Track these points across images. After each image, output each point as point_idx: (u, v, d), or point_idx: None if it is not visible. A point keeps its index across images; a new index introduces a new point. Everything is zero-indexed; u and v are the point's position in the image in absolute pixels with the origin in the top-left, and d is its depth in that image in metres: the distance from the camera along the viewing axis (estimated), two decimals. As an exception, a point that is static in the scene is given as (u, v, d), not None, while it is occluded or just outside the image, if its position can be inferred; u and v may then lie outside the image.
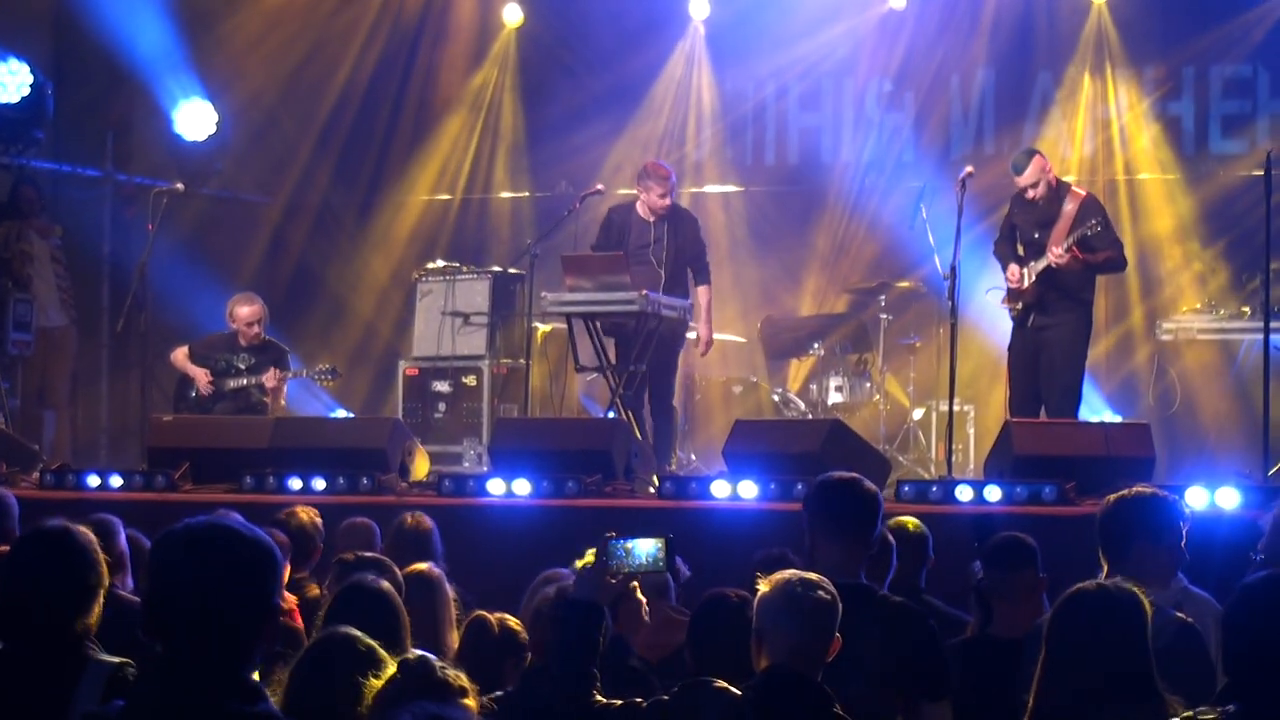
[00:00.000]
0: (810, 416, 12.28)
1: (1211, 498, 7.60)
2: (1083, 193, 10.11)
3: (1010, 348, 10.17)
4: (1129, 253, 10.67)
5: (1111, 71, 13.61)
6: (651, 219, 10.80)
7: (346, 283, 15.17)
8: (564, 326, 11.25)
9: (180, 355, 11.72)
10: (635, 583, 4.59)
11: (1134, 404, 12.67)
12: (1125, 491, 5.27)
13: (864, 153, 14.28)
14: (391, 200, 15.28)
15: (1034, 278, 9.86)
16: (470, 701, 3.59)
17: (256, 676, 3.24)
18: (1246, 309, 11.94)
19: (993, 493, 8.07)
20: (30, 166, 12.93)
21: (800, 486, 7.68)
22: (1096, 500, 5.39)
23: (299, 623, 5.97)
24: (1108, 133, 13.59)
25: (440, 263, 13.14)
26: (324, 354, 13.22)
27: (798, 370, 13.43)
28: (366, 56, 14.95)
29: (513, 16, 14.97)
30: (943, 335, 11.10)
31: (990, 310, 10.41)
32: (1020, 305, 9.99)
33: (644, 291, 10.16)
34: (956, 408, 10.07)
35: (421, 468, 9.67)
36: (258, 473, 9.14)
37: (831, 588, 4.40)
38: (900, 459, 11.83)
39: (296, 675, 3.93)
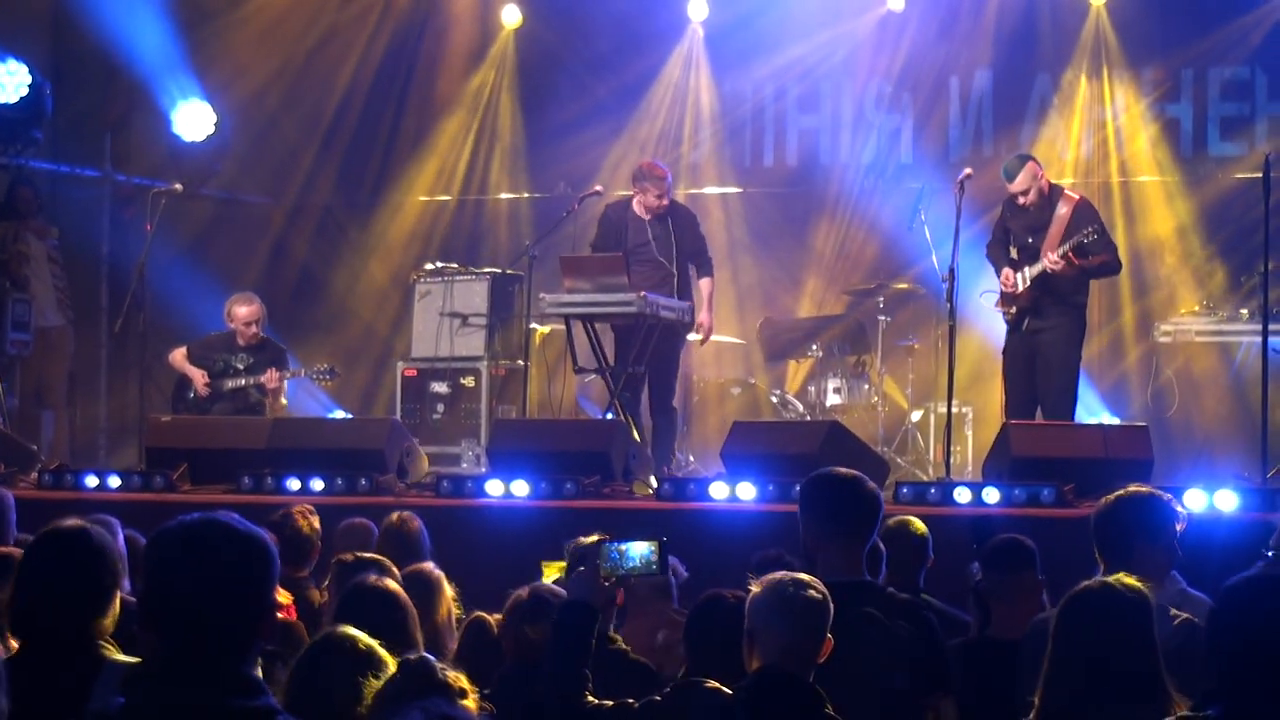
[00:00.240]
0: (808, 418, 12.27)
1: (1210, 500, 7.61)
2: (1076, 196, 10.07)
3: (1005, 351, 10.13)
4: (1125, 255, 10.66)
5: (1110, 73, 13.60)
6: (648, 217, 10.78)
7: (344, 283, 15.15)
8: (562, 328, 11.25)
9: (178, 356, 11.70)
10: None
11: (1128, 405, 12.67)
12: (1121, 491, 5.28)
13: (862, 154, 14.27)
14: (390, 201, 15.26)
15: (1029, 283, 9.84)
16: (470, 702, 3.59)
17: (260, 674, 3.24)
18: (1245, 311, 11.93)
19: (991, 494, 8.08)
20: (29, 167, 12.91)
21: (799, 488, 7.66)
22: (1094, 502, 5.38)
23: (295, 620, 5.97)
24: (1106, 134, 13.60)
25: (439, 264, 13.13)
26: (322, 354, 13.19)
27: (796, 371, 13.41)
28: (366, 57, 14.93)
29: (511, 18, 14.96)
30: (941, 337, 11.09)
31: (988, 312, 10.40)
32: (1014, 309, 9.98)
33: (642, 293, 10.15)
34: (955, 409, 10.07)
35: (421, 468, 9.68)
36: (256, 473, 9.14)
37: (823, 588, 4.39)
38: (898, 460, 11.83)
39: (296, 675, 3.93)
